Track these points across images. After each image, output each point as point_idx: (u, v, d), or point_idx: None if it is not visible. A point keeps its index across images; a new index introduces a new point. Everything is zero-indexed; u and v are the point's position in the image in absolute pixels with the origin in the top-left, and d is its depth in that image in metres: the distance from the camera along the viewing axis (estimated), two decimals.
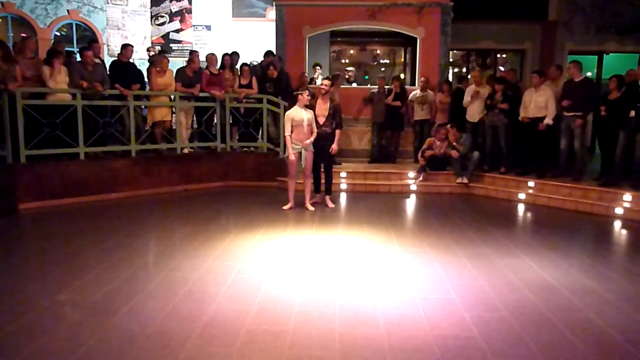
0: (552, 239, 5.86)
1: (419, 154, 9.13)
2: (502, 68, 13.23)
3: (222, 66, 9.45)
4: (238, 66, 9.50)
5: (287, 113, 7.13)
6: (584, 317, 3.73)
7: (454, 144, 8.72)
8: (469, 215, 7.22)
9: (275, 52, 10.26)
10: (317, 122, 7.16)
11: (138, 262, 4.84)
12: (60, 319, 3.58)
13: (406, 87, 10.51)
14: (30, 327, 3.44)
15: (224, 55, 9.60)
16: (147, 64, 9.75)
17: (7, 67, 6.92)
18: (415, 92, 10.12)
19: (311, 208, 7.18)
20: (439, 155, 8.92)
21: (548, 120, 8.00)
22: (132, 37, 13.19)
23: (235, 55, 9.72)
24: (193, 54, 9.25)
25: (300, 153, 7.01)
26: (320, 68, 11.24)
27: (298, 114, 6.94)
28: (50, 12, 13.02)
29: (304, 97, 6.95)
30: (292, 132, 6.95)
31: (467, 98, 9.14)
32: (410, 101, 10.09)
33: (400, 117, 9.99)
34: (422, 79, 10.20)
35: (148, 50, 12.05)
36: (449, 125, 8.91)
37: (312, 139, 7.02)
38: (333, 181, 7.73)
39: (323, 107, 7.20)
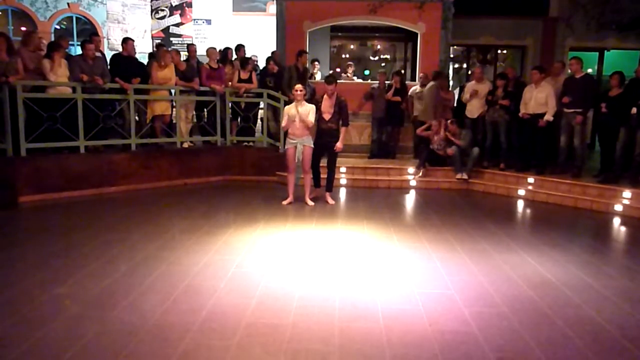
0: (551, 236, 5.87)
1: (417, 131, 9.28)
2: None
3: (223, 60, 9.44)
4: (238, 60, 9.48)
5: (285, 107, 7.26)
6: (582, 313, 3.74)
7: (452, 138, 8.71)
8: (468, 211, 7.23)
9: (280, 49, 10.27)
10: (322, 118, 7.16)
11: (137, 255, 4.85)
12: (60, 312, 3.59)
13: (407, 82, 10.49)
14: (30, 319, 3.44)
15: (225, 49, 9.59)
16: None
17: (9, 60, 6.93)
18: (415, 88, 10.10)
19: (311, 203, 7.18)
20: (439, 153, 8.93)
21: (548, 117, 8.00)
22: (132, 31, 13.18)
23: (241, 47, 9.69)
24: (190, 47, 9.25)
25: (296, 147, 7.02)
26: (319, 63, 11.22)
27: (291, 109, 6.97)
28: (50, 5, 12.98)
29: (295, 92, 6.95)
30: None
31: (466, 95, 9.14)
32: (409, 97, 10.08)
33: (400, 113, 9.97)
34: (422, 74, 10.19)
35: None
36: (449, 121, 8.91)
37: (305, 141, 7.01)
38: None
39: (328, 104, 7.17)
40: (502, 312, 3.71)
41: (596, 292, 4.15)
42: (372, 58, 14.37)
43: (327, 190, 7.48)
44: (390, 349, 3.14)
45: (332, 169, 7.46)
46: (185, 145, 8.89)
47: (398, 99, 9.80)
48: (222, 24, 13.69)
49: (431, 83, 9.63)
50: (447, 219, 6.56)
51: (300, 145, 6.99)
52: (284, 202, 7.19)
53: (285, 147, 7.13)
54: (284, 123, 7.08)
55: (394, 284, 4.23)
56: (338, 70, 12.85)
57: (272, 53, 9.97)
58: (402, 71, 11.65)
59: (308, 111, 6.93)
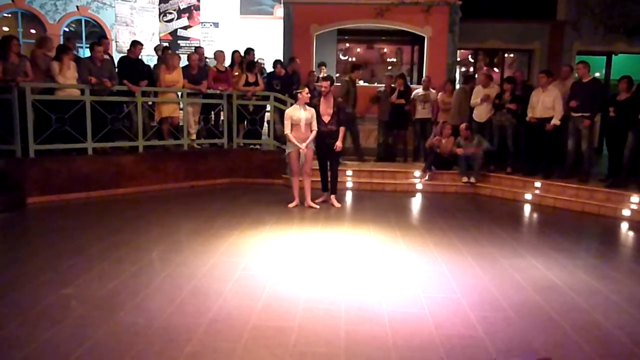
0: (558, 240, 5.85)
1: (427, 144, 9.26)
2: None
3: (232, 63, 9.49)
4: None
5: (286, 111, 7.19)
6: (590, 317, 3.72)
7: (474, 139, 8.62)
8: (474, 214, 7.21)
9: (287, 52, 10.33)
10: (322, 120, 7.16)
11: (144, 257, 4.87)
12: (66, 313, 3.61)
13: (412, 85, 10.47)
14: (37, 320, 3.47)
15: (234, 52, 9.63)
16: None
17: (19, 62, 6.99)
18: (417, 91, 10.09)
19: (315, 206, 7.18)
20: (445, 155, 8.92)
21: (555, 121, 7.97)
22: (140, 34, 13.24)
23: (250, 50, 9.76)
24: (198, 49, 9.30)
25: (299, 150, 7.00)
26: (326, 67, 11.23)
27: (296, 112, 6.95)
28: (59, 8, 13.08)
29: (303, 95, 6.96)
30: (291, 130, 6.98)
31: (476, 99, 9.12)
32: (412, 99, 10.06)
33: (405, 115, 9.96)
34: (424, 77, 10.21)
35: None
36: (463, 125, 8.85)
37: (308, 141, 6.98)
38: (339, 179, 7.72)
39: (326, 106, 7.19)
40: (508, 316, 3.70)
41: (604, 297, 4.13)
42: (378, 61, 14.36)
43: (332, 192, 7.47)
44: (396, 352, 3.14)
45: (334, 171, 7.45)
46: (194, 141, 8.93)
47: (402, 101, 9.78)
48: (229, 27, 13.73)
49: (458, 87, 9.68)
50: (453, 223, 6.55)
51: (303, 147, 6.98)
52: (290, 205, 7.19)
53: (288, 150, 7.12)
54: (287, 128, 6.98)
55: (400, 288, 4.23)
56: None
57: (291, 60, 9.97)
58: (406, 74, 11.67)
59: (312, 115, 6.96)
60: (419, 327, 3.48)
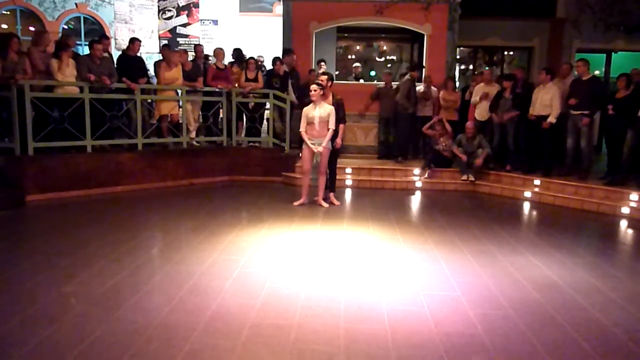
0: (558, 238, 5.85)
1: (423, 128, 9.31)
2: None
3: (232, 61, 9.48)
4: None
5: (303, 109, 7.10)
6: (589, 315, 3.72)
7: (476, 138, 8.63)
8: (474, 212, 7.21)
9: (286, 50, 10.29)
10: None
11: (143, 255, 4.87)
12: (66, 310, 3.61)
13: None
14: (37, 318, 3.46)
15: (234, 49, 9.62)
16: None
17: (18, 60, 6.97)
18: (419, 88, 10.08)
19: (325, 205, 7.15)
20: (445, 155, 8.91)
21: (551, 119, 7.96)
22: (139, 31, 13.20)
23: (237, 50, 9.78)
24: (197, 47, 9.32)
25: (314, 146, 6.92)
26: (325, 64, 11.22)
27: (310, 110, 6.90)
28: (58, 5, 13.03)
29: (312, 92, 6.90)
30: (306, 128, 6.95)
31: (475, 98, 9.10)
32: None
33: (411, 114, 9.92)
34: (425, 75, 10.19)
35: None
36: (469, 123, 8.84)
37: (325, 142, 6.88)
38: (338, 177, 7.71)
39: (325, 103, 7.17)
40: (508, 314, 3.70)
41: (603, 295, 4.13)
42: (378, 59, 14.36)
43: (330, 190, 7.44)
44: (395, 350, 3.14)
45: (333, 169, 7.41)
46: (194, 140, 8.91)
47: None
48: (228, 25, 13.71)
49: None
50: (452, 221, 6.55)
51: (319, 146, 6.89)
52: (296, 203, 7.14)
53: (302, 147, 7.07)
54: (302, 126, 6.95)
55: (400, 285, 4.23)
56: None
57: (288, 52, 9.98)
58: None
59: (328, 113, 6.86)
60: (418, 325, 3.49)
